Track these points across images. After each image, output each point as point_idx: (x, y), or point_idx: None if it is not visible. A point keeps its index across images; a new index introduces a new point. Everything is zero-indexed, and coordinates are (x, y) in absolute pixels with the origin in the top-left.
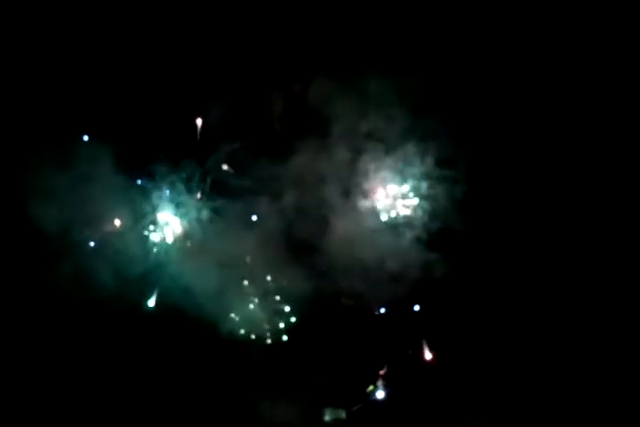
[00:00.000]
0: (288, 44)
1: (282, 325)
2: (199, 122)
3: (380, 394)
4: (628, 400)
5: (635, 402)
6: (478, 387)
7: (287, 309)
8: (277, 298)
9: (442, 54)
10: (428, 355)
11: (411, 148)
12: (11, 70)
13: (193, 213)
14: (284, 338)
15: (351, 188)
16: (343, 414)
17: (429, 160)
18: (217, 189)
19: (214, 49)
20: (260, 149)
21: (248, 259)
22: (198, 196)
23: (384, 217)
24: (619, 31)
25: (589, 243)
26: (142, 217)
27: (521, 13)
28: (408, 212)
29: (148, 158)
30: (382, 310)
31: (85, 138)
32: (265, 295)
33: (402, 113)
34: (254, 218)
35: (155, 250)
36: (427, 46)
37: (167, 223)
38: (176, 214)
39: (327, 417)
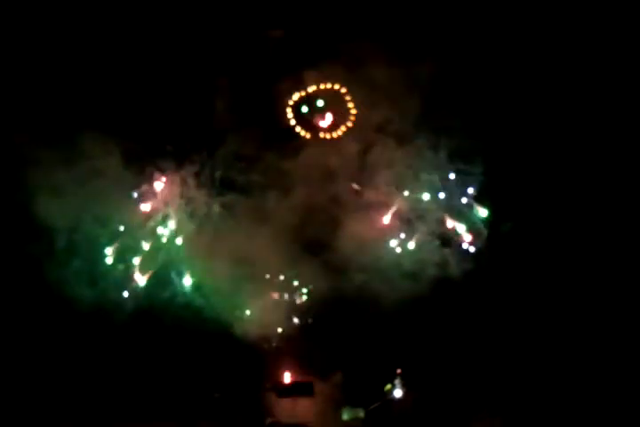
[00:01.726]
0: (297, 36)
1: (298, 323)
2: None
3: (398, 393)
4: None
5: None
6: (498, 384)
7: (304, 306)
8: (294, 295)
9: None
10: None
11: (424, 142)
12: (15, 67)
13: (203, 209)
14: (302, 336)
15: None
16: (361, 413)
17: (443, 155)
18: (226, 184)
19: (222, 41)
20: (270, 142)
21: (262, 255)
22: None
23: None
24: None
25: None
26: (153, 213)
27: (534, 12)
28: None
29: (157, 153)
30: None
31: (94, 132)
32: (281, 292)
33: (415, 107)
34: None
35: (166, 246)
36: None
37: (178, 219)
38: (185, 211)
39: (345, 416)
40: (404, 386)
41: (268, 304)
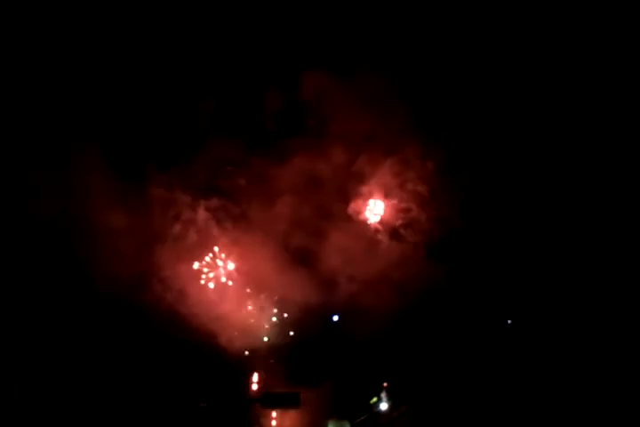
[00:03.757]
0: (284, 42)
1: (287, 334)
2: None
3: (384, 406)
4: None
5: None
6: (483, 398)
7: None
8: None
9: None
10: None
11: (410, 151)
12: None
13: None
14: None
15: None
16: (347, 426)
17: (429, 163)
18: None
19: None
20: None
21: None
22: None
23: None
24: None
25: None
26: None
27: (523, 15)
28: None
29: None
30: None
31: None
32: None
33: (402, 114)
34: None
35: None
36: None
37: None
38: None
39: None
40: (389, 399)
41: (254, 315)
